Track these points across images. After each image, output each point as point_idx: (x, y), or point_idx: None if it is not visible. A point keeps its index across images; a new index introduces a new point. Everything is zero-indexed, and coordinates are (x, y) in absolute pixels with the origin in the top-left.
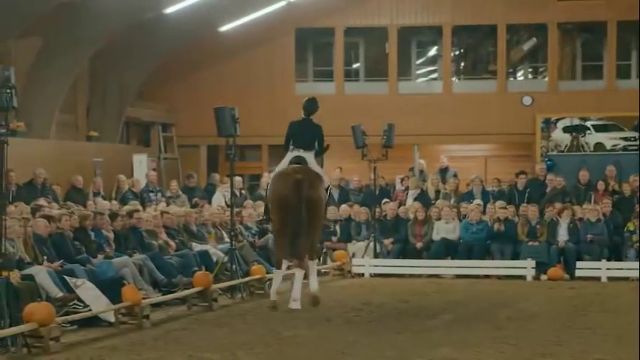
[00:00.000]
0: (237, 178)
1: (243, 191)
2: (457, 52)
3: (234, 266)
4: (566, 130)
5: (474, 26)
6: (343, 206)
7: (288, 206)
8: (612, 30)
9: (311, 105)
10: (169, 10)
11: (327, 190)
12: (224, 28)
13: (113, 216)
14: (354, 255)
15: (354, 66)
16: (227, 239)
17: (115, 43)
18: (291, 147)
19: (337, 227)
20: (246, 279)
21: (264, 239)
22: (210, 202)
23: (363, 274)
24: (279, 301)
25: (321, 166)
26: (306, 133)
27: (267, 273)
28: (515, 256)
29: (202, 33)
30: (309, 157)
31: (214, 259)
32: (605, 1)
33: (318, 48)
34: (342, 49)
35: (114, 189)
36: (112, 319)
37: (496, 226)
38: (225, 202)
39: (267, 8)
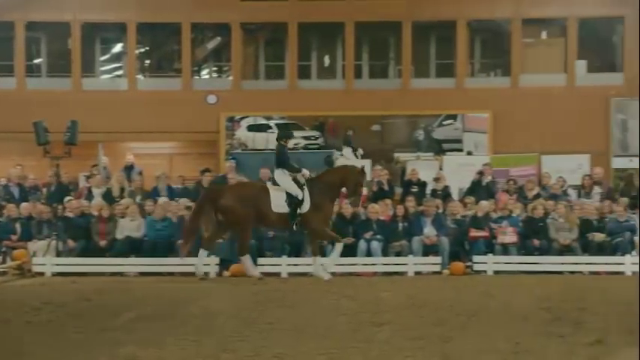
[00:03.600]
0: None
1: None
2: (142, 50)
3: None
4: (250, 128)
5: (159, 24)
6: (24, 204)
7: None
8: (293, 31)
9: (279, 133)
10: None
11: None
12: None
13: None
14: (34, 254)
15: (36, 61)
16: None
17: None
18: None
19: (17, 225)
20: None
21: None
22: None
23: (44, 273)
24: None
25: None
26: (275, 155)
27: None
28: None
29: None
30: (276, 173)
31: None
32: (288, 3)
33: None
34: (22, 44)
35: None
36: None
37: None
38: None
39: None
